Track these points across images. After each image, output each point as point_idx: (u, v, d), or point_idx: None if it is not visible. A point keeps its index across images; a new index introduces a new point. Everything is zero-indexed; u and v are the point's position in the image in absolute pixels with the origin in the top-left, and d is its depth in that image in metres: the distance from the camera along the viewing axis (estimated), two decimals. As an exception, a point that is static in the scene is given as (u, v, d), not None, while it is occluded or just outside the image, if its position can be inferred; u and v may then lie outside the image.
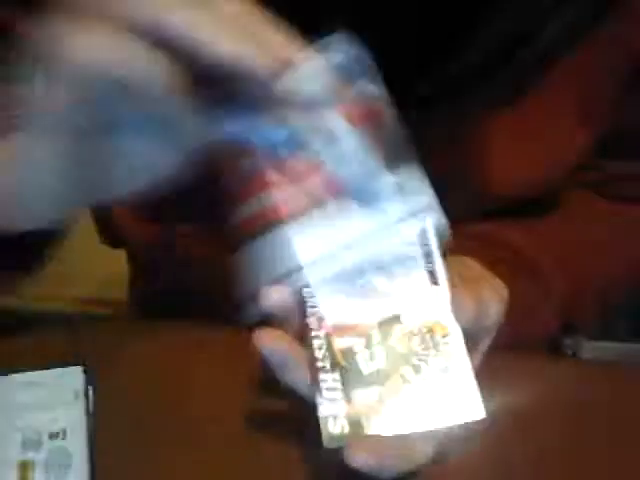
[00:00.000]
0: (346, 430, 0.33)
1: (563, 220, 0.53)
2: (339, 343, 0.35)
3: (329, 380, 0.34)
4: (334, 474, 0.36)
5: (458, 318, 0.35)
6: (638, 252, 0.54)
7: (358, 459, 0.33)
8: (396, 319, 0.35)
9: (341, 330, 0.35)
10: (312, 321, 0.35)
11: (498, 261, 0.42)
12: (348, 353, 0.34)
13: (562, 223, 0.52)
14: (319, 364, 0.34)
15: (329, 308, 0.35)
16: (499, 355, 0.38)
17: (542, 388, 0.44)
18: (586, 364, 0.51)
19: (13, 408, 0.41)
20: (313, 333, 0.35)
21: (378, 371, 0.34)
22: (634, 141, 0.52)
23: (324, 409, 0.33)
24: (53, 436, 0.40)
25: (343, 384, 0.34)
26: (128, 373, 0.43)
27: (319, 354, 0.34)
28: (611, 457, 0.41)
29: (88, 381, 0.42)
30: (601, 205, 0.54)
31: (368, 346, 0.34)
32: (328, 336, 0.35)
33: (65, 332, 0.46)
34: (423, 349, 0.34)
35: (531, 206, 0.51)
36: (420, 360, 0.34)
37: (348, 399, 0.34)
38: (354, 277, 0.36)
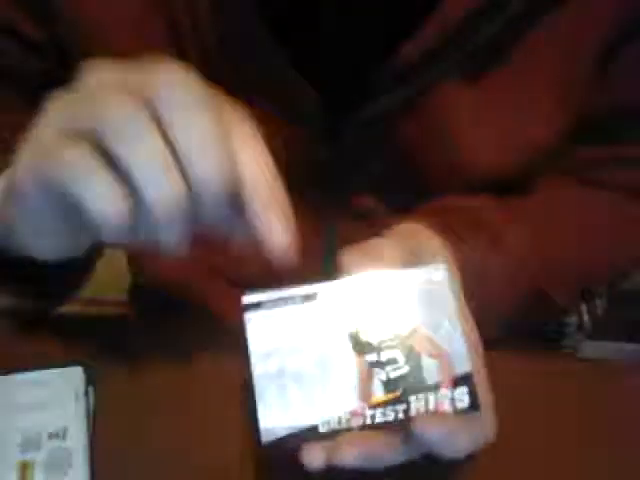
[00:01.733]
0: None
1: (536, 201, 0.53)
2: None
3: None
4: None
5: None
6: (623, 243, 0.55)
7: (348, 455, 0.33)
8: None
9: None
10: None
11: (456, 222, 0.43)
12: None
13: (535, 203, 0.52)
14: None
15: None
16: (499, 355, 0.38)
17: (542, 388, 0.44)
18: (586, 364, 0.51)
19: (13, 408, 0.41)
20: None
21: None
22: (608, 125, 0.52)
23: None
24: (53, 436, 0.40)
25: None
26: (128, 373, 0.43)
27: None
28: (611, 456, 0.41)
29: (88, 381, 0.42)
30: (580, 193, 0.54)
31: None
32: None
33: (65, 332, 0.46)
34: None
35: (506, 192, 0.52)
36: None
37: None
38: None
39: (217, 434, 0.42)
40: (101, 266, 0.49)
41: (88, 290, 0.49)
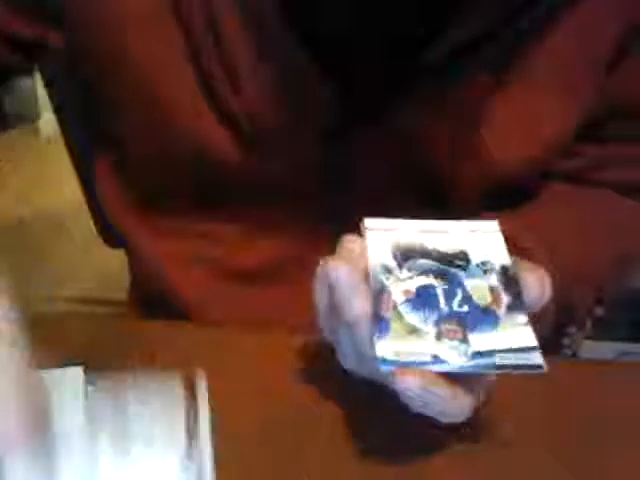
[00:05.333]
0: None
1: (553, 212, 0.53)
2: None
3: None
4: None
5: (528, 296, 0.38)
6: (627, 243, 0.55)
7: (404, 382, 0.34)
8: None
9: None
10: None
11: None
12: None
13: (552, 215, 0.53)
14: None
15: None
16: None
17: (542, 388, 0.44)
18: (586, 364, 0.51)
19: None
20: None
21: None
22: (615, 124, 0.52)
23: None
24: (53, 436, 0.40)
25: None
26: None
27: None
28: (611, 457, 0.41)
29: (88, 381, 0.42)
30: (586, 197, 0.55)
31: None
32: None
33: (65, 332, 0.46)
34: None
35: (519, 195, 0.52)
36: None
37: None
38: None
39: (218, 433, 0.42)
40: (101, 266, 0.49)
41: (88, 290, 0.49)
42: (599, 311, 1.16)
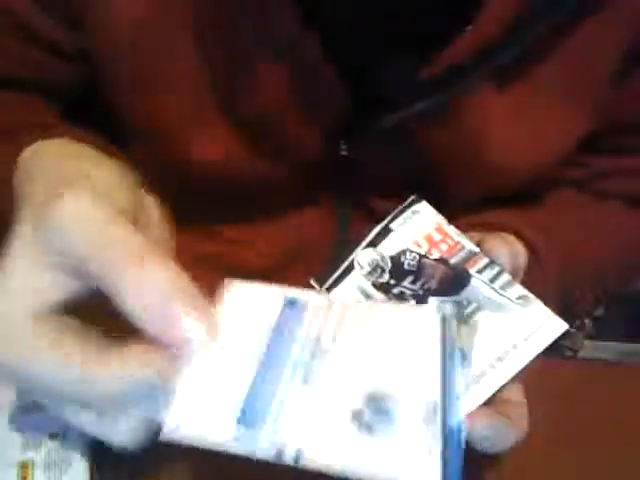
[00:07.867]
0: None
1: (556, 211, 0.53)
2: None
3: None
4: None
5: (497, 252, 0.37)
6: (630, 247, 0.55)
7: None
8: None
9: None
10: None
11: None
12: None
13: (555, 213, 0.53)
14: None
15: None
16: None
17: (542, 388, 0.44)
18: (586, 364, 0.51)
19: (13, 408, 0.41)
20: None
21: None
22: (619, 136, 0.52)
23: None
24: (53, 436, 0.40)
25: None
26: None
27: None
28: (611, 457, 0.41)
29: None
30: (590, 202, 0.55)
31: None
32: None
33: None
34: None
35: (523, 198, 0.52)
36: None
37: None
38: None
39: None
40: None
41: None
42: (599, 311, 1.16)
